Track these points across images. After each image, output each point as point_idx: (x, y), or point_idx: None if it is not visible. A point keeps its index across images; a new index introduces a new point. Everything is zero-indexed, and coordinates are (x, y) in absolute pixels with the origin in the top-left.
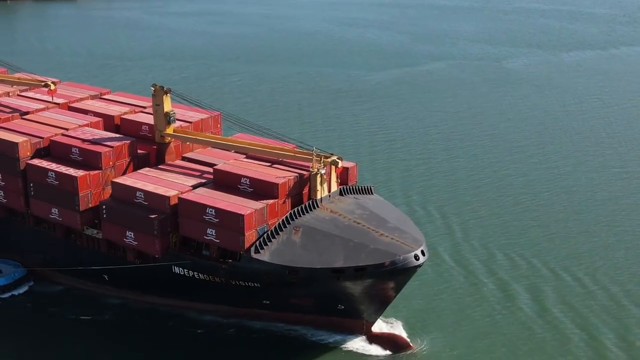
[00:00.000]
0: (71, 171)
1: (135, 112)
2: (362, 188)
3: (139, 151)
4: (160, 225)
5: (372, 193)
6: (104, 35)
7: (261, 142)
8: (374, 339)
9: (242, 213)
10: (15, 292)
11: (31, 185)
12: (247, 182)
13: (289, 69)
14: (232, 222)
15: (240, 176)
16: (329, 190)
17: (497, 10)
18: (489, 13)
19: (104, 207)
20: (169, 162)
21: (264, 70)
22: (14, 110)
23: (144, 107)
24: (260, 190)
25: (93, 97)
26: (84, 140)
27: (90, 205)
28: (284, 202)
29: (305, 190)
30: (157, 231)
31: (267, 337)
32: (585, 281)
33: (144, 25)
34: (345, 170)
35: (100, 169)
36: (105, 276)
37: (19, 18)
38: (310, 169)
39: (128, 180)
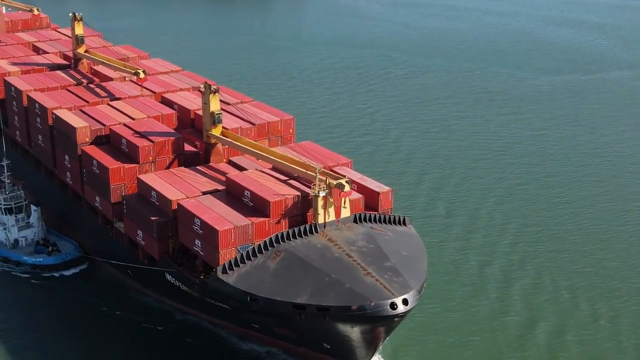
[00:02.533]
0: (107, 162)
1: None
2: (392, 218)
3: (186, 149)
4: (158, 229)
5: (404, 224)
6: (309, 20)
7: (303, 153)
8: None
9: (218, 228)
10: (65, 273)
11: (84, 170)
12: (248, 196)
13: (460, 65)
14: (210, 236)
15: (243, 188)
16: (338, 216)
17: None
18: None
19: (124, 202)
20: (212, 164)
21: (434, 64)
22: (109, 94)
23: (235, 104)
24: (257, 206)
25: (194, 89)
26: (135, 132)
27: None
28: (278, 222)
29: (311, 212)
30: (156, 234)
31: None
32: None
33: (357, 13)
34: (375, 195)
35: (138, 162)
36: (129, 271)
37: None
38: (312, 190)
39: (149, 177)
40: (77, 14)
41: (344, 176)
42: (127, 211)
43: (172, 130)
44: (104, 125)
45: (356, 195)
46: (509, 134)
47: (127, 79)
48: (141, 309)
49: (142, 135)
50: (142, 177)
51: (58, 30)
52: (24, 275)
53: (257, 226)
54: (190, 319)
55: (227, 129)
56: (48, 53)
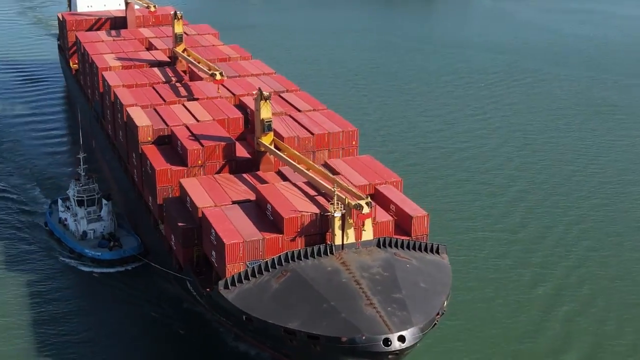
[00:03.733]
0: (157, 163)
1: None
2: (424, 245)
3: (239, 155)
4: (184, 235)
5: (437, 253)
6: (454, 22)
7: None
8: None
9: (225, 241)
10: (120, 269)
11: (142, 169)
12: (270, 210)
13: (582, 74)
14: (220, 248)
15: (267, 202)
16: (358, 238)
17: None
18: None
19: (164, 204)
20: (260, 173)
21: (569, 74)
22: (189, 94)
23: (305, 111)
24: (275, 221)
25: (275, 93)
26: (191, 135)
27: None
28: (293, 239)
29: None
30: (182, 241)
31: None
32: None
33: (508, 17)
34: (408, 219)
35: (186, 166)
36: (165, 275)
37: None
38: (329, 210)
39: (189, 182)
40: (178, 12)
41: (366, 197)
42: (165, 214)
43: (228, 135)
44: (167, 125)
45: (386, 217)
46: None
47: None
48: (180, 314)
49: (197, 138)
50: (183, 181)
51: (161, 26)
52: (82, 268)
53: (269, 242)
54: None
55: (282, 137)
56: (157, 50)
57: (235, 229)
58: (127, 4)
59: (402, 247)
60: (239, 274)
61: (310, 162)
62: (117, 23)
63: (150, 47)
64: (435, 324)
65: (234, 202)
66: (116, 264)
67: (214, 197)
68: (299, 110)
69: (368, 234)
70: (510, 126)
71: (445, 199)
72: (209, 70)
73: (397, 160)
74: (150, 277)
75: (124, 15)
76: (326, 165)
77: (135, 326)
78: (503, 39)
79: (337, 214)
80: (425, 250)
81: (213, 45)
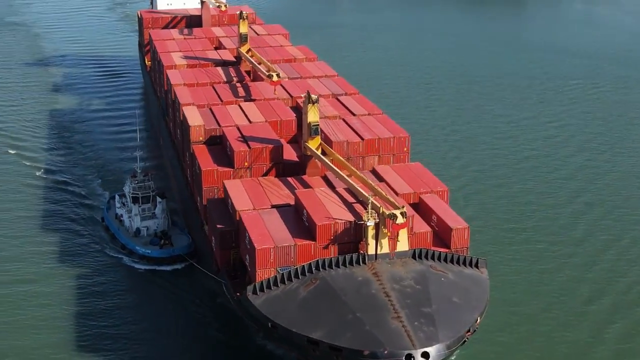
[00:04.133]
0: (204, 163)
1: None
2: (463, 258)
3: (286, 158)
4: (221, 237)
5: (476, 267)
6: (541, 25)
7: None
8: None
9: (256, 246)
10: (168, 267)
11: (193, 169)
12: (306, 216)
13: None
14: (252, 252)
15: (303, 207)
16: (393, 249)
17: None
18: None
19: (207, 205)
20: (306, 177)
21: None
22: (247, 95)
23: (360, 115)
24: (310, 227)
25: (334, 96)
26: (241, 136)
27: None
28: (326, 247)
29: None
30: (219, 243)
31: None
32: None
33: (599, 21)
34: (448, 230)
35: (233, 167)
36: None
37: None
38: (363, 219)
39: (232, 184)
40: (243, 12)
41: (402, 207)
42: (208, 215)
43: (277, 138)
44: (219, 125)
45: (424, 228)
46: None
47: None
48: (217, 315)
49: (246, 139)
50: (227, 182)
51: (252, 26)
52: (132, 265)
53: (301, 249)
54: None
55: (330, 142)
56: (225, 49)
57: (268, 233)
58: (202, 2)
59: (439, 259)
60: (268, 279)
61: (353, 168)
62: (192, 21)
63: (219, 46)
64: (465, 341)
65: (273, 206)
66: (165, 262)
67: (255, 200)
68: (354, 114)
69: (403, 245)
70: (584, 136)
71: (501, 209)
72: (268, 71)
73: (461, 167)
74: (195, 277)
75: (200, 14)
76: (373, 172)
77: (171, 325)
78: (591, 43)
79: (370, 223)
80: (464, 263)
81: (281, 45)
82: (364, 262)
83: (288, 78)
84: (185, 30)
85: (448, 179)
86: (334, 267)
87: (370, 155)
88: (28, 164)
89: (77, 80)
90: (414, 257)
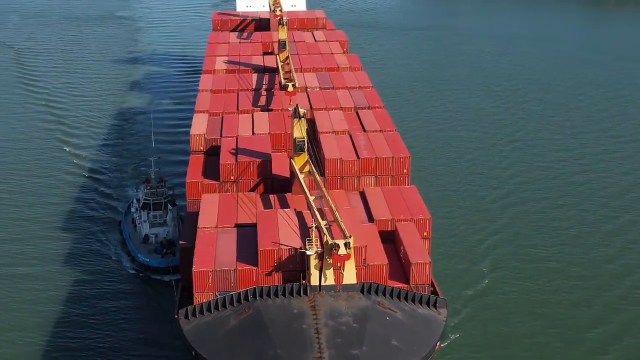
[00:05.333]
0: (191, 174)
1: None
2: (419, 296)
3: (276, 173)
4: (181, 254)
5: (434, 306)
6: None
7: (388, 199)
8: None
9: (194, 268)
10: (165, 277)
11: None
12: (256, 238)
13: None
14: (192, 275)
15: (256, 229)
16: (338, 281)
17: None
18: None
19: (184, 218)
20: (289, 194)
21: None
22: (267, 104)
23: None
24: (258, 251)
25: (354, 109)
26: (234, 148)
27: None
28: (269, 274)
29: None
30: (179, 259)
31: None
32: None
33: None
34: (408, 264)
35: (218, 180)
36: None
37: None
38: (305, 247)
39: (207, 199)
40: (283, 18)
41: (349, 236)
42: (183, 228)
43: (269, 152)
44: (220, 135)
45: (379, 260)
46: None
47: (308, 89)
48: None
49: (238, 151)
50: (205, 196)
51: (314, 32)
52: (130, 272)
53: (242, 274)
54: None
55: (324, 158)
56: (273, 55)
57: (213, 255)
58: (270, 5)
59: (390, 295)
60: (202, 304)
61: (324, 189)
62: (262, 24)
63: (273, 51)
64: None
65: (237, 225)
66: (163, 272)
67: (222, 217)
68: (364, 130)
69: (350, 277)
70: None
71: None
72: (287, 81)
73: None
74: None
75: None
76: (361, 194)
77: (152, 335)
78: None
79: (310, 252)
80: (420, 302)
81: (332, 53)
82: (305, 293)
83: (319, 88)
84: (245, 34)
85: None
86: (272, 296)
87: (366, 175)
88: (75, 159)
89: (157, 78)
90: (362, 291)
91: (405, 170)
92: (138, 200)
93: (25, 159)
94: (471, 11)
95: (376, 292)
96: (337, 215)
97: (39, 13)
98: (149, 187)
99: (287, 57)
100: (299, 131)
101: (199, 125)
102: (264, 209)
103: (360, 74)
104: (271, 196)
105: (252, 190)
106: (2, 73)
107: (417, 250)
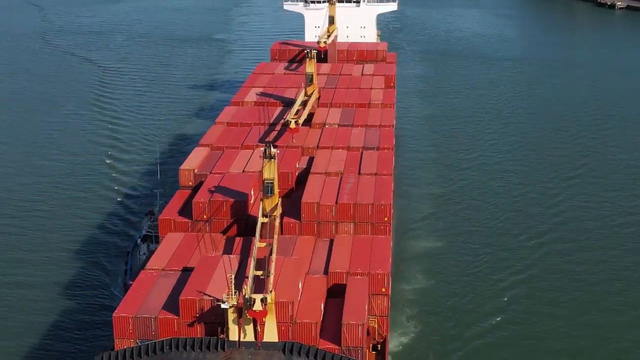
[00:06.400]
0: (167, 211)
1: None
2: None
3: (251, 214)
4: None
5: None
6: None
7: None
8: None
9: (114, 314)
10: None
11: None
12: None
13: None
14: None
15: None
16: (259, 338)
17: None
18: None
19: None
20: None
21: None
22: (275, 139)
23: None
24: None
25: (362, 149)
26: (214, 186)
27: None
28: (191, 325)
29: None
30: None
31: None
32: None
33: None
34: (339, 325)
35: (191, 218)
36: None
37: None
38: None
39: (171, 237)
40: (312, 51)
41: (270, 291)
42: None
43: (247, 192)
44: (209, 172)
45: (308, 318)
46: None
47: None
48: None
49: (216, 189)
50: (169, 235)
51: (365, 64)
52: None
53: (163, 322)
54: None
55: (299, 202)
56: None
57: (142, 300)
58: (328, 36)
59: (315, 357)
60: (117, 352)
61: (276, 236)
62: (321, 56)
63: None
64: None
65: (184, 269)
66: None
67: (174, 259)
68: (359, 173)
69: (271, 335)
70: None
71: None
72: (292, 117)
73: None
74: None
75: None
76: (330, 242)
77: None
78: None
79: (225, 306)
80: None
81: (371, 88)
82: (222, 348)
83: (337, 125)
84: (294, 65)
85: None
86: (188, 348)
87: (344, 221)
88: (112, 183)
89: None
90: (283, 350)
91: (386, 219)
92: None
93: (67, 174)
94: (586, 42)
95: (299, 353)
96: (272, 265)
97: (143, 34)
98: (152, 220)
99: (314, 91)
100: (269, 172)
101: (193, 160)
102: (223, 252)
103: (388, 111)
104: (237, 239)
105: (226, 231)
106: (82, 92)
107: (355, 309)
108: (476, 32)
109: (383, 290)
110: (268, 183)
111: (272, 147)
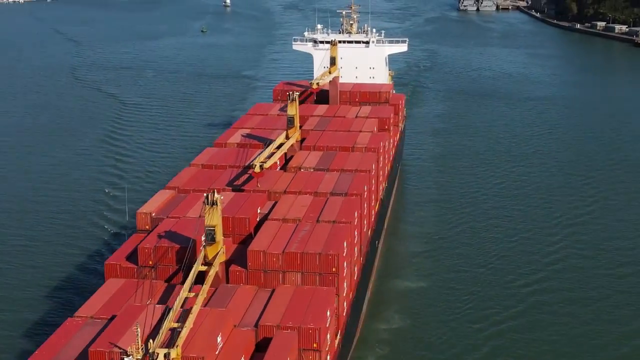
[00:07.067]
0: (115, 256)
1: None
2: None
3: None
4: None
5: None
6: None
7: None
8: None
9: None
10: None
11: None
12: None
13: None
14: None
15: None
16: None
17: None
18: None
19: None
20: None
21: None
22: (243, 184)
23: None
24: None
25: (332, 194)
26: (165, 231)
27: None
28: None
29: None
30: None
31: None
32: None
33: None
34: None
35: (137, 264)
36: None
37: None
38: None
39: (111, 283)
40: (294, 94)
41: (176, 346)
42: None
43: (196, 239)
44: (166, 216)
45: None
46: None
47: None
48: None
49: (166, 234)
50: (110, 280)
51: (362, 106)
52: None
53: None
54: None
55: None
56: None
57: (60, 348)
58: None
59: None
60: None
61: (206, 287)
62: (322, 97)
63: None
64: None
65: (112, 317)
66: None
67: (106, 306)
68: (318, 221)
69: None
70: None
71: None
72: (259, 161)
73: None
74: None
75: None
76: (272, 293)
77: None
78: None
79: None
80: None
81: (360, 131)
82: None
83: (313, 169)
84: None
85: None
86: None
87: (291, 271)
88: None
89: None
90: None
91: (334, 269)
92: None
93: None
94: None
95: None
96: (190, 317)
97: (173, 69)
98: None
99: (294, 135)
100: (210, 219)
101: (153, 203)
102: (158, 301)
103: (369, 155)
104: (178, 287)
105: (170, 278)
106: (97, 127)
107: None
108: (507, 71)
109: (314, 345)
110: (209, 230)
111: (214, 194)
